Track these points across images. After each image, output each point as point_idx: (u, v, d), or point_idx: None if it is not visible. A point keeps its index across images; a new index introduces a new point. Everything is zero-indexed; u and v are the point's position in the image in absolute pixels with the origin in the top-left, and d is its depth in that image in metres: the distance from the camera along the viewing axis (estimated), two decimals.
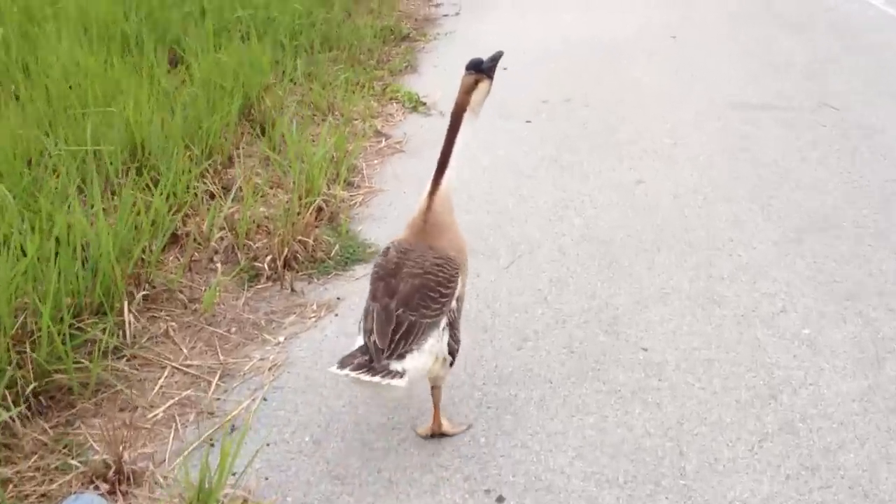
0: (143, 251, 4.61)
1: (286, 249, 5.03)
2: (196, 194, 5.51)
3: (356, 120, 7.45)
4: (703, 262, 5.08)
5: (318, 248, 5.18)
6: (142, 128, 5.82)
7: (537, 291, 4.84)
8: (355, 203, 6.00)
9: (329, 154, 6.12)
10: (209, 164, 5.93)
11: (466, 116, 3.49)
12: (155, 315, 4.60)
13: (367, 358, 3.04)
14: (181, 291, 4.77)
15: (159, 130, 5.72)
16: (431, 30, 10.84)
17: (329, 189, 5.87)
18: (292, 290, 4.89)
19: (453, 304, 3.31)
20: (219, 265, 5.06)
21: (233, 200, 5.48)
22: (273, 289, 4.92)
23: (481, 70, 3.54)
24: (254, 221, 5.20)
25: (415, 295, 3.17)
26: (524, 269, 5.10)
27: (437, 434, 3.57)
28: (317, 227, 5.44)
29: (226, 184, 5.95)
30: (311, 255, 5.14)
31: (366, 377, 2.96)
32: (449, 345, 3.30)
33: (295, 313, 4.68)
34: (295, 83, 7.93)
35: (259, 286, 4.93)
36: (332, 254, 5.22)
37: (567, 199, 5.95)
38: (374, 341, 3.06)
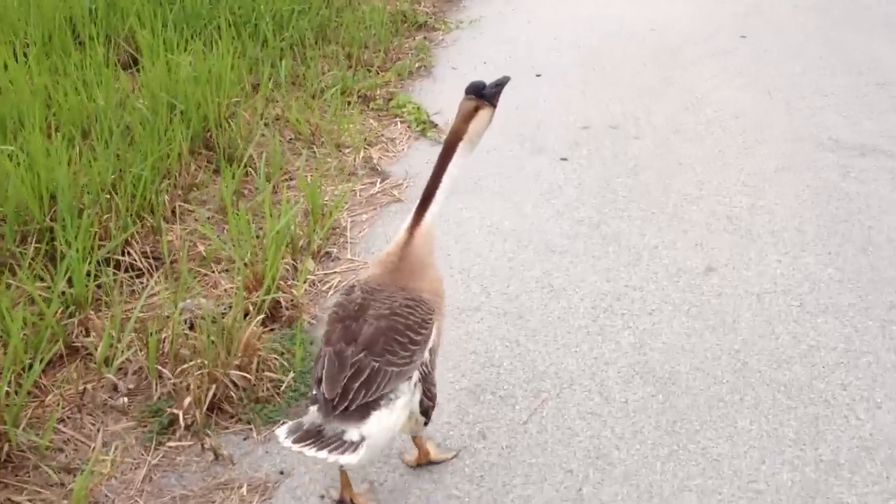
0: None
1: (213, 388, 3.55)
2: (114, 274, 4.08)
3: (347, 149, 5.91)
4: (807, 430, 3.55)
5: (261, 382, 3.70)
6: (52, 172, 4.35)
7: (567, 474, 3.34)
8: (328, 287, 4.49)
9: (296, 217, 4.62)
10: (140, 226, 4.47)
11: (461, 147, 3.08)
12: (11, 497, 3.18)
13: (317, 426, 2.64)
14: (54, 453, 3.34)
15: (70, 179, 4.27)
16: (454, 15, 9.19)
17: (292, 272, 4.38)
18: (216, 455, 3.43)
19: (426, 354, 2.92)
20: (123, 400, 3.62)
21: (161, 281, 4.02)
22: (191, 450, 3.47)
23: (482, 95, 3.09)
24: (176, 335, 3.72)
25: (380, 339, 2.79)
26: (549, 425, 3.61)
27: (426, 463, 3.30)
28: (270, 331, 3.97)
29: (159, 253, 4.47)
30: (251, 393, 3.66)
31: (310, 452, 2.57)
32: (422, 402, 2.94)
33: (214, 502, 3.23)
34: (277, 91, 6.38)
35: (172, 444, 3.48)
36: (282, 388, 3.73)
37: (612, 296, 4.41)
38: (323, 392, 2.66)
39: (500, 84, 3.14)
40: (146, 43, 6.23)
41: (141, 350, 3.74)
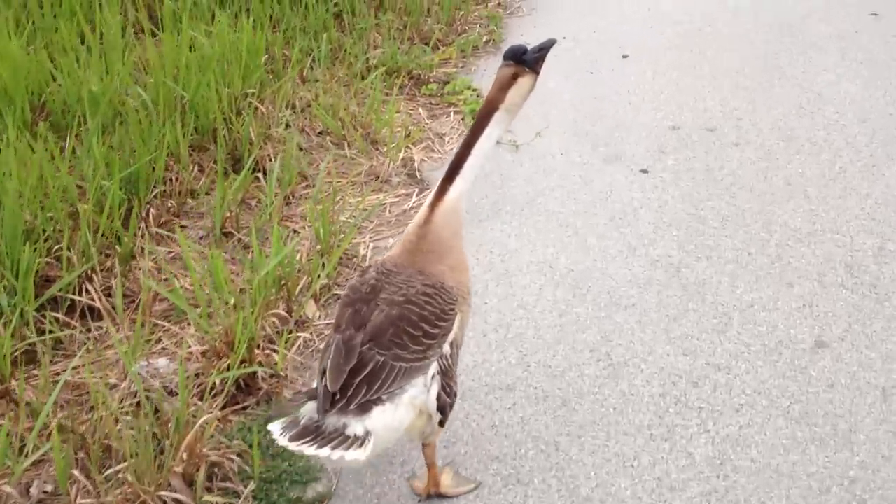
0: None
1: None
2: (60, 325, 3.30)
3: (384, 148, 4.96)
4: None
5: (218, 477, 2.85)
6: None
7: None
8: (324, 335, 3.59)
9: (295, 252, 3.74)
10: (105, 255, 3.65)
11: (497, 117, 2.69)
12: None
13: (315, 421, 2.35)
14: None
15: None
16: None
17: (285, 323, 3.50)
18: None
19: (446, 347, 2.60)
20: None
21: (122, 328, 3.21)
22: None
23: (523, 61, 2.70)
24: (110, 419, 2.89)
25: (389, 329, 2.49)
26: None
27: (435, 495, 2.85)
28: (242, 409, 3.12)
29: (129, 290, 3.65)
30: None
31: (310, 450, 2.29)
32: (440, 397, 2.58)
33: None
34: (314, 70, 5.46)
35: None
36: (243, 496, 2.88)
37: (688, 380, 3.41)
38: (325, 384, 2.38)
39: (544, 48, 2.75)
40: (168, 9, 5.38)
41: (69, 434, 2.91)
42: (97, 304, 3.50)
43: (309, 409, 2.42)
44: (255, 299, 3.37)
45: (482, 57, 6.39)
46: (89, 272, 3.55)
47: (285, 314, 3.48)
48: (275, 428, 2.38)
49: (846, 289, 3.88)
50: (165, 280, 3.66)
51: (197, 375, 3.20)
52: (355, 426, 2.36)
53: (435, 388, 2.57)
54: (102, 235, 3.68)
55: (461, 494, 2.88)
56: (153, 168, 4.07)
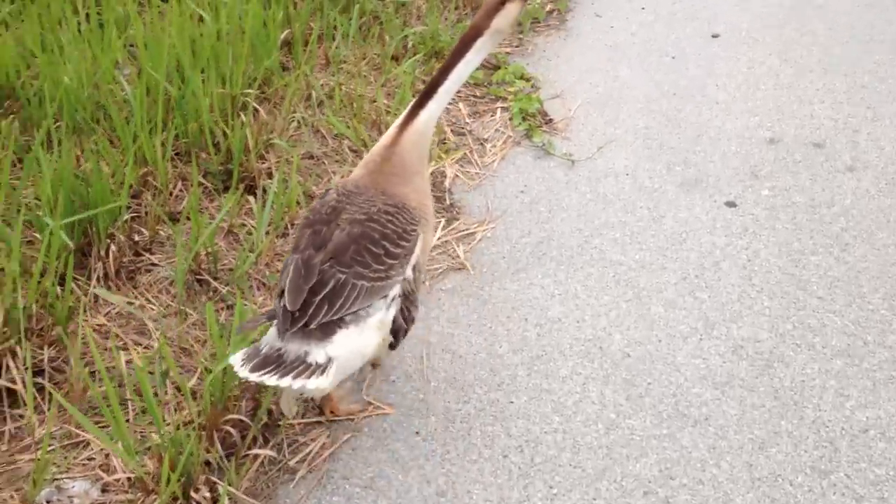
0: None
1: None
2: None
3: None
4: None
5: None
6: None
7: None
8: (308, 457, 2.80)
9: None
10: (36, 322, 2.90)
11: (479, 43, 2.66)
12: None
13: (276, 349, 2.29)
14: None
15: None
16: None
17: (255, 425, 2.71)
18: None
19: (408, 271, 2.56)
20: None
21: (50, 420, 2.48)
22: None
23: None
24: None
25: (350, 246, 2.44)
26: None
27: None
28: None
29: (58, 365, 2.89)
30: None
31: (272, 380, 2.22)
32: (395, 320, 2.53)
33: None
34: (342, 49, 4.59)
35: None
36: None
37: None
38: (284, 304, 2.31)
39: None
40: None
41: None
42: (17, 385, 2.74)
43: (270, 337, 2.35)
44: (206, 406, 2.56)
45: (542, 33, 5.39)
46: (12, 345, 2.78)
47: (247, 419, 2.67)
48: (235, 360, 2.30)
49: None
50: (116, 349, 2.87)
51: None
52: (317, 353, 2.30)
53: (393, 311, 2.51)
54: (38, 293, 2.90)
55: (351, 414, 2.83)
56: (121, 187, 3.27)
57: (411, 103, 2.68)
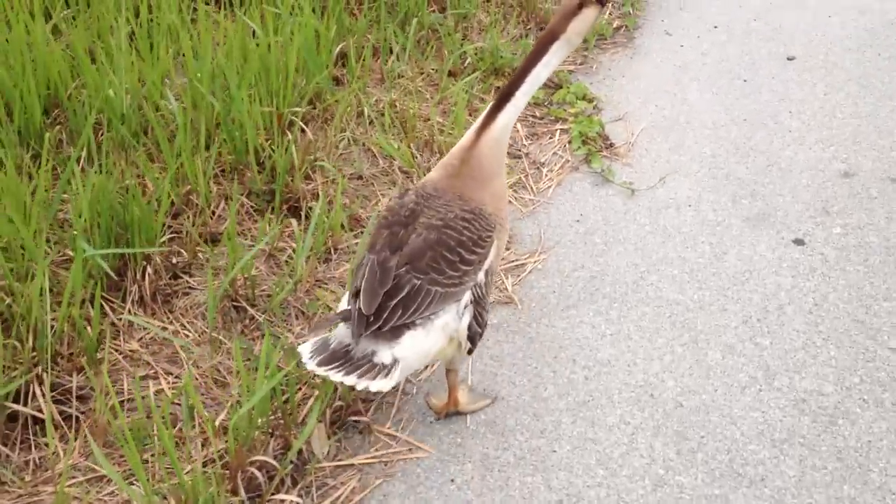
0: None
1: None
2: None
3: None
4: None
5: None
6: None
7: None
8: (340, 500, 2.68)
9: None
10: (66, 346, 2.85)
11: (556, 46, 2.64)
12: None
13: (345, 345, 2.37)
14: None
15: None
16: None
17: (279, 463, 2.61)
18: None
19: (480, 276, 2.59)
20: None
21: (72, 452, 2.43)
22: None
23: None
24: None
25: (427, 252, 2.48)
26: None
27: (453, 413, 2.83)
28: None
29: (87, 393, 2.83)
30: None
31: (337, 376, 2.31)
32: (471, 326, 2.57)
33: None
34: (399, 63, 4.48)
35: None
36: None
37: None
38: (360, 307, 2.37)
39: None
40: None
41: None
42: (44, 413, 2.68)
43: (340, 332, 2.41)
44: (231, 445, 2.46)
45: (609, 50, 5.20)
46: (39, 371, 2.72)
47: (273, 461, 2.56)
48: (304, 349, 2.38)
49: None
50: (139, 380, 2.79)
51: None
52: (383, 354, 2.36)
53: (467, 317, 2.56)
54: (68, 317, 2.83)
55: (479, 410, 2.88)
56: (160, 205, 3.19)
57: (489, 107, 2.67)
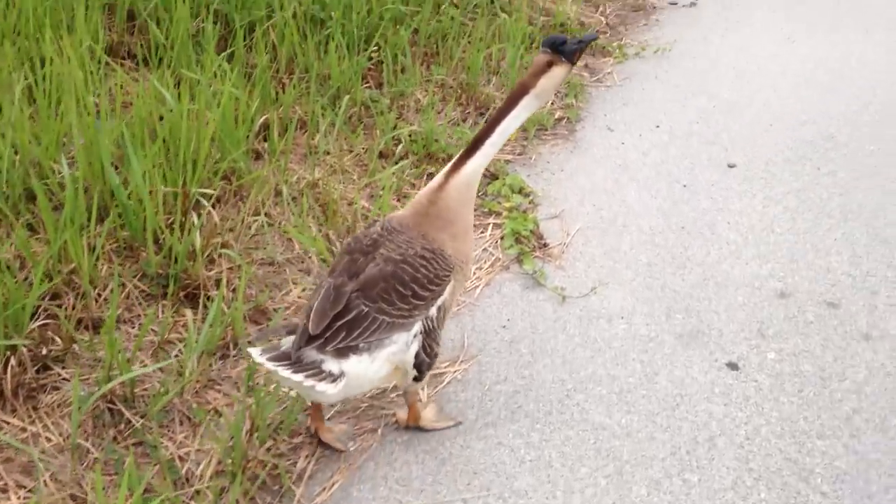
0: None
1: None
2: None
3: None
4: None
5: None
6: None
7: None
8: None
9: None
10: None
11: (525, 101, 2.77)
12: None
13: (294, 349, 2.49)
14: None
15: None
16: (637, 34, 6.64)
17: None
18: None
19: (433, 311, 2.70)
20: None
21: None
22: None
23: (560, 51, 2.77)
24: None
25: (380, 283, 2.59)
26: None
27: (415, 427, 2.95)
28: None
29: None
30: None
31: (285, 372, 2.42)
32: (418, 356, 2.69)
33: None
34: (327, 139, 4.21)
35: None
36: None
37: None
38: (306, 325, 2.48)
39: (584, 42, 2.81)
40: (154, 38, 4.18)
41: None
42: None
43: (290, 341, 2.50)
44: None
45: (549, 142, 5.03)
46: None
47: None
48: (254, 350, 2.44)
49: None
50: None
51: None
52: (331, 364, 2.45)
53: (415, 347, 2.65)
54: None
55: (439, 429, 2.96)
56: (32, 285, 2.84)
57: (459, 153, 2.79)
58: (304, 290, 3.48)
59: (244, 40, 4.43)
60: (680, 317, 3.72)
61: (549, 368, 3.38)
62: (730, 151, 5.07)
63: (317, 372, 2.43)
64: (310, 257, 3.66)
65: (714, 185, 4.72)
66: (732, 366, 3.48)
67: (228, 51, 4.40)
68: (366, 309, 2.53)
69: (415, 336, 2.67)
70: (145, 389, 2.86)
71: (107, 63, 4.05)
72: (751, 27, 6.85)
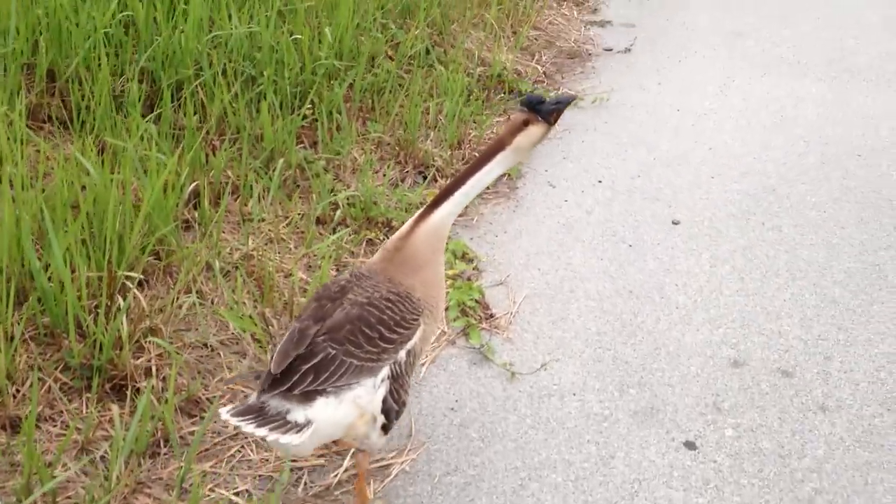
0: None
1: None
2: None
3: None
4: None
5: None
6: None
7: None
8: None
9: None
10: None
11: (500, 157, 2.78)
12: None
13: (261, 402, 2.43)
14: None
15: None
16: (575, 82, 6.58)
17: None
18: None
19: (401, 354, 2.67)
20: None
21: None
22: None
23: (538, 110, 2.78)
24: None
25: (346, 325, 2.58)
26: None
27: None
28: None
29: None
30: None
31: (248, 428, 2.36)
32: (385, 401, 2.62)
33: None
34: (261, 205, 4.00)
35: None
36: None
37: None
38: (270, 367, 2.47)
39: (562, 102, 2.81)
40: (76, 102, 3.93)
41: None
42: None
43: (257, 393, 2.46)
44: None
45: (491, 201, 4.90)
46: None
47: None
48: (224, 409, 2.39)
49: None
50: None
51: None
52: (297, 413, 2.41)
53: (382, 391, 2.60)
54: None
55: None
56: None
57: (429, 202, 2.79)
58: (238, 373, 3.25)
59: (171, 101, 4.19)
60: (633, 391, 3.59)
61: (502, 455, 3.21)
62: (673, 207, 5.00)
63: (281, 423, 2.39)
64: (245, 337, 3.44)
65: (659, 245, 4.63)
66: (690, 445, 3.36)
67: (155, 112, 4.17)
68: (333, 352, 2.51)
69: (382, 380, 2.62)
70: (68, 497, 2.61)
71: (28, 126, 3.79)
72: (687, 70, 6.85)
